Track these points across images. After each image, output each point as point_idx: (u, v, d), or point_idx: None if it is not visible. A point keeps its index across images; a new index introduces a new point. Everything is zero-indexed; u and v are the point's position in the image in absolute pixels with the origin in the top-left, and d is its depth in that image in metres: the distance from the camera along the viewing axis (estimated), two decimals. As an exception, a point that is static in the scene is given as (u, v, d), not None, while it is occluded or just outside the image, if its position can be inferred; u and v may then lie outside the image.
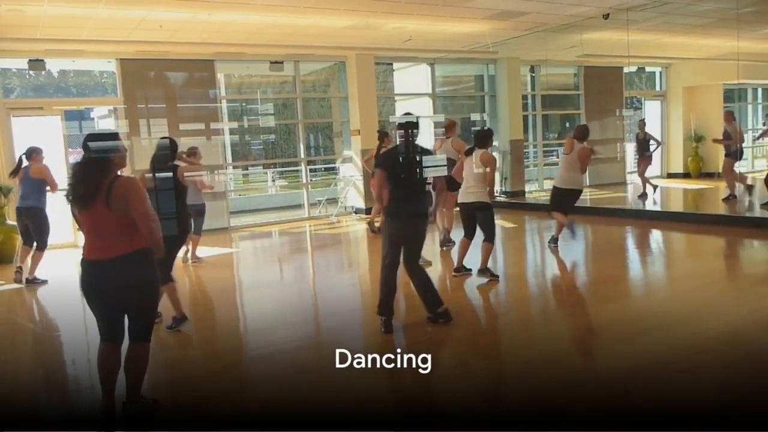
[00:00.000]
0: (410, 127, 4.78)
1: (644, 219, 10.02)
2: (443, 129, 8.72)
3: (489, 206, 6.32)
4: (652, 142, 12.26)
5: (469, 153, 6.38)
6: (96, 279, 3.20)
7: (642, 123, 12.85)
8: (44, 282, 7.41)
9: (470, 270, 6.56)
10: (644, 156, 12.28)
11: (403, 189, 4.76)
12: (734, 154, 10.60)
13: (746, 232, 8.45)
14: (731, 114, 11.21)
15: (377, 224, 10.22)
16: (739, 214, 10.28)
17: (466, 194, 6.39)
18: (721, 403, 3.26)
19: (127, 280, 3.18)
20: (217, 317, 5.57)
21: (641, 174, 12.28)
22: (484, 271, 6.32)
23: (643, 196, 12.25)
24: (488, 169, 6.20)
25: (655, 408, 3.22)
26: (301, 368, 4.19)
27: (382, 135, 10.36)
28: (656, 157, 13.76)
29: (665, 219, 10.00)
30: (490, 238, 6.31)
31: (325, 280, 7.58)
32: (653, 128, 16.61)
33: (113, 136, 3.38)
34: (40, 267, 7.41)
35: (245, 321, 5.82)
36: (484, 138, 6.38)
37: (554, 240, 7.70)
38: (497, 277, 6.34)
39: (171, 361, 4.12)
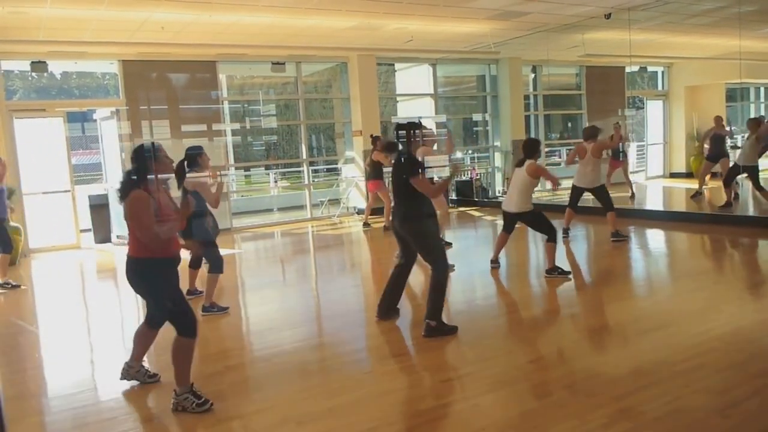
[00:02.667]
0: (400, 130, 4.94)
1: (646, 219, 10.01)
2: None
3: (531, 212, 6.48)
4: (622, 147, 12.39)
5: (520, 165, 6.49)
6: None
7: (617, 126, 12.77)
8: (15, 285, 7.38)
9: (499, 263, 6.90)
10: (616, 160, 12.31)
11: (394, 192, 4.98)
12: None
13: (749, 232, 8.44)
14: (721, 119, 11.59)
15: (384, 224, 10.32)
16: (742, 214, 10.27)
17: (507, 202, 6.63)
18: (725, 403, 3.25)
19: (133, 279, 3.65)
20: (221, 318, 5.57)
21: (611, 175, 12.31)
22: (551, 270, 6.35)
23: (632, 197, 12.40)
24: (539, 178, 6.37)
25: (659, 408, 3.21)
26: (304, 368, 4.19)
27: (375, 139, 10.46)
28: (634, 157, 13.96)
29: (668, 219, 9.98)
30: (551, 238, 6.38)
31: (328, 280, 7.59)
32: (656, 128, 16.66)
33: (147, 149, 3.62)
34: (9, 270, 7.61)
35: (248, 322, 5.83)
36: (529, 149, 6.46)
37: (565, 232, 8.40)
38: (568, 273, 6.38)
39: (168, 365, 4.11)
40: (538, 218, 6.47)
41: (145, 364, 4.08)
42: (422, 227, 4.82)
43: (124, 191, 3.51)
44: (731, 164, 10.50)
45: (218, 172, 6.25)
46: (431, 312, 4.64)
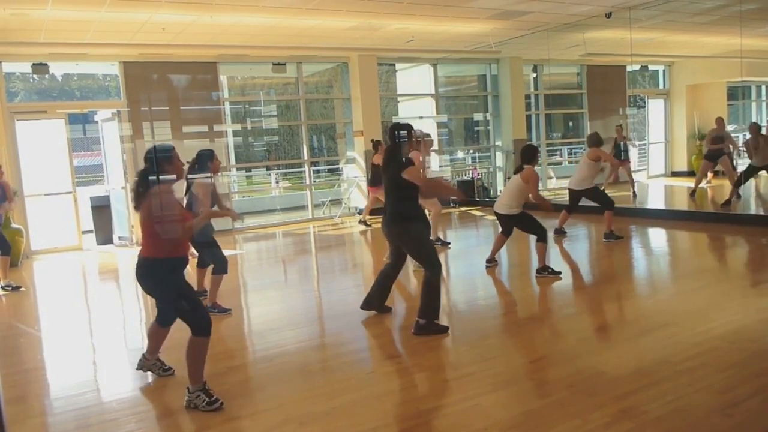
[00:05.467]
0: (400, 130, 4.92)
1: (647, 218, 10.00)
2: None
3: (521, 214, 6.52)
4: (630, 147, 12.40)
5: (518, 171, 6.55)
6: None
7: (619, 128, 12.79)
8: (16, 287, 7.37)
9: (496, 262, 6.98)
10: (619, 159, 12.30)
11: (384, 195, 5.01)
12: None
13: (751, 230, 8.42)
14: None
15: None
16: (744, 212, 10.25)
17: (499, 205, 6.67)
18: (727, 402, 3.24)
19: (143, 279, 3.73)
20: (223, 319, 5.57)
21: (615, 173, 12.33)
22: (542, 270, 6.38)
23: (634, 195, 12.41)
24: (529, 184, 6.37)
25: (660, 407, 3.21)
26: (306, 369, 4.19)
27: (376, 143, 10.47)
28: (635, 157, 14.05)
29: (669, 217, 9.97)
30: (541, 238, 6.41)
31: (330, 281, 7.59)
32: (657, 127, 16.64)
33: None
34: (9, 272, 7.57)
35: (250, 322, 5.83)
36: (527, 155, 6.49)
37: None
38: (558, 273, 6.39)
39: (176, 363, 4.12)
40: (526, 219, 6.53)
41: (161, 356, 4.19)
42: (410, 230, 4.79)
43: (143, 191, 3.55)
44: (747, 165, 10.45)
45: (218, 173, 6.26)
46: (422, 310, 4.71)
